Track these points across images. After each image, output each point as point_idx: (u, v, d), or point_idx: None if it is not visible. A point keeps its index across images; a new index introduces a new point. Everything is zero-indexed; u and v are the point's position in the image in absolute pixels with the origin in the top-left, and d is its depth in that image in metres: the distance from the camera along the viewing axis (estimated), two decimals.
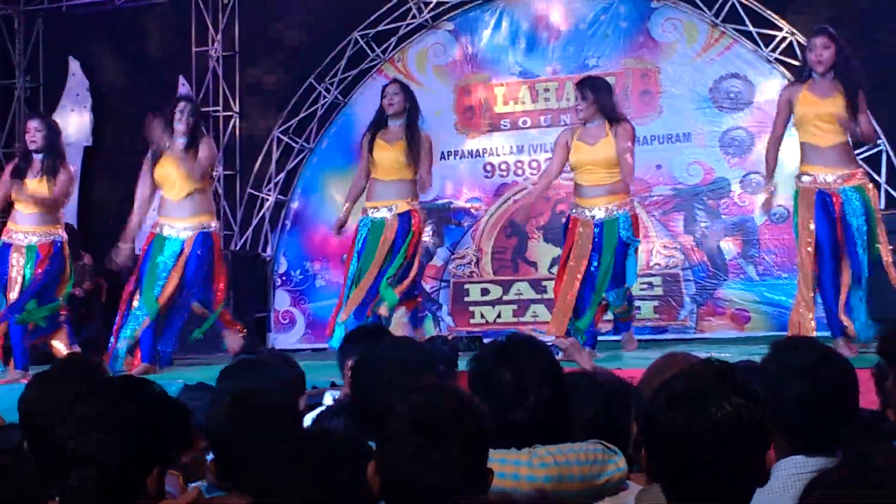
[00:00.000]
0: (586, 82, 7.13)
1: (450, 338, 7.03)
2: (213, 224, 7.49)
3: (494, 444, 2.52)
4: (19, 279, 7.28)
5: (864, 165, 8.21)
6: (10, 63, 11.56)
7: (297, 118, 10.37)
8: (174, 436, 2.37)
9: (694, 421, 1.98)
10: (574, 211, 6.98)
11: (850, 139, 6.54)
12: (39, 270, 7.28)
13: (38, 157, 7.37)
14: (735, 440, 1.98)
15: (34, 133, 7.38)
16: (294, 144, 10.38)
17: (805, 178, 6.54)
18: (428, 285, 10.02)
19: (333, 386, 5.22)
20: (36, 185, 7.31)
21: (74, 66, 11.25)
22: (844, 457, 1.69)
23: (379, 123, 7.51)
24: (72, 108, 11.21)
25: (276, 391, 3.08)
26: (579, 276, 6.77)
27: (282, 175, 10.45)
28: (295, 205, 10.51)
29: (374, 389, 2.84)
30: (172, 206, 7.37)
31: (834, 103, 6.43)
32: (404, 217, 7.35)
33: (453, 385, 2.35)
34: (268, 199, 10.49)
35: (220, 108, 10.72)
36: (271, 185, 10.46)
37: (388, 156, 7.39)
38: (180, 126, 7.31)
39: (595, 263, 6.81)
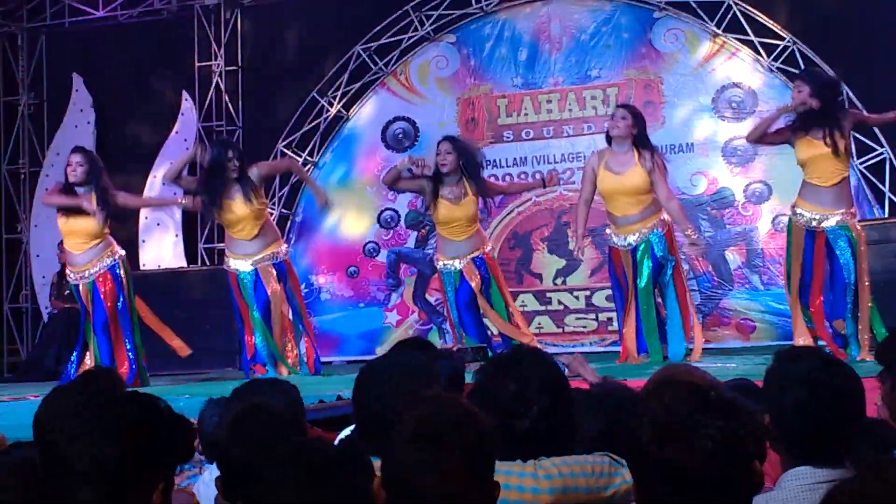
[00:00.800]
0: (629, 107, 7.56)
1: (454, 349, 7.02)
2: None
3: (499, 455, 2.52)
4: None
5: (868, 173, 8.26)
6: (13, 80, 11.59)
7: (301, 132, 10.39)
8: (178, 451, 2.37)
9: (682, 455, 1.97)
10: (611, 241, 7.41)
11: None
12: None
13: (80, 190, 7.53)
14: (725, 464, 1.97)
15: (75, 167, 7.54)
16: (297, 158, 10.39)
17: (797, 216, 6.87)
18: (433, 298, 10.02)
19: (339, 399, 5.21)
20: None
21: (78, 82, 11.28)
22: (860, 470, 1.68)
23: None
24: (75, 124, 11.23)
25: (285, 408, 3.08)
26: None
27: (286, 189, 10.45)
28: (299, 218, 10.51)
29: (376, 401, 2.84)
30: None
31: (829, 149, 6.64)
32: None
33: (456, 396, 2.35)
34: (272, 214, 10.49)
35: (223, 123, 10.73)
36: (275, 199, 10.46)
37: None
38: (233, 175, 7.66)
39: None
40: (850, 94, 8.49)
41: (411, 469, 2.10)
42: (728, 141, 9.35)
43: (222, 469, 2.82)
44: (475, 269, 7.50)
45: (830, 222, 6.72)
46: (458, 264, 7.52)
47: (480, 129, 10.07)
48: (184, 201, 8.13)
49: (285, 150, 10.42)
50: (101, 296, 7.51)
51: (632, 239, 7.19)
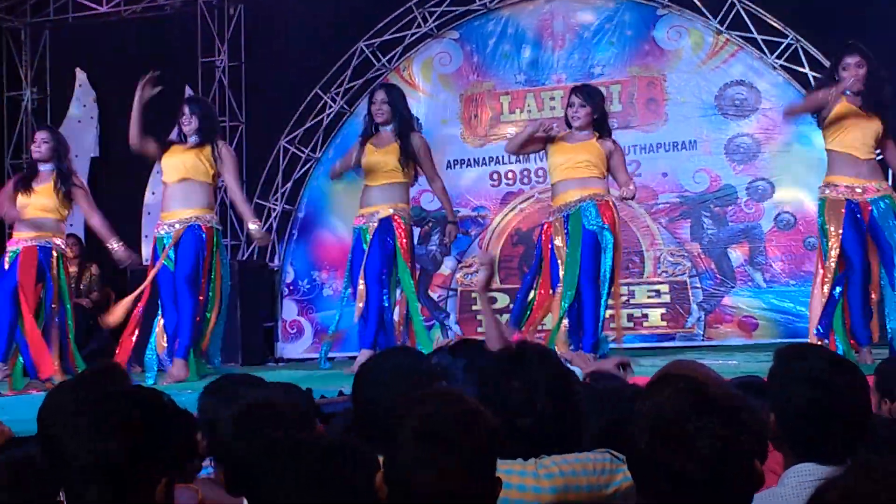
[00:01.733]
0: (586, 91, 7.20)
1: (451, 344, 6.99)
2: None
3: (503, 453, 2.52)
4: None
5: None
6: (16, 74, 11.59)
7: (304, 128, 10.39)
8: (180, 445, 2.37)
9: (679, 458, 1.97)
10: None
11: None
12: None
13: (43, 168, 7.41)
14: (723, 465, 1.97)
15: (40, 143, 7.42)
16: (300, 154, 10.40)
17: (831, 189, 6.56)
18: (435, 294, 10.03)
19: (341, 395, 5.21)
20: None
21: (81, 77, 11.28)
22: (849, 468, 1.67)
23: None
24: (78, 119, 11.24)
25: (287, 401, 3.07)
26: None
27: (288, 185, 10.46)
28: (302, 214, 10.52)
29: (376, 398, 2.84)
30: None
31: (872, 124, 6.48)
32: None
33: (460, 392, 2.35)
34: (275, 209, 10.50)
35: (226, 119, 10.73)
36: (278, 194, 10.47)
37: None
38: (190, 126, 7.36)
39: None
40: None
41: (413, 466, 2.10)
42: (731, 138, 9.35)
43: (226, 464, 2.82)
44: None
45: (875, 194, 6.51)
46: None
47: (483, 125, 10.07)
48: (116, 247, 7.30)
49: (288, 146, 10.42)
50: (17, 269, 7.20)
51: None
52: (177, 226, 7.19)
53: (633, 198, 7.07)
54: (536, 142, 7.17)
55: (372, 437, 2.51)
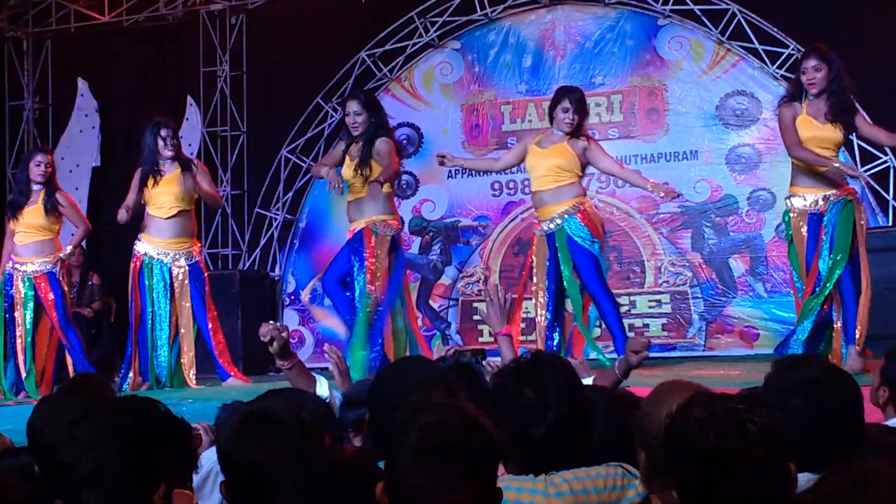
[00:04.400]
0: (579, 99, 7.13)
1: (451, 353, 6.93)
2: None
3: (513, 464, 2.52)
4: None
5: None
6: (18, 84, 11.61)
7: (305, 137, 10.39)
8: (178, 453, 2.38)
9: (729, 441, 2.02)
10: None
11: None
12: None
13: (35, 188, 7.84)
14: (770, 454, 2.03)
15: (44, 167, 7.87)
16: (302, 164, 10.40)
17: (796, 200, 6.58)
18: (436, 304, 10.03)
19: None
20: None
21: (83, 86, 11.29)
22: (822, 476, 1.71)
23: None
24: (80, 128, 11.25)
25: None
26: None
27: (290, 194, 10.46)
28: (303, 224, 10.52)
29: (389, 407, 2.83)
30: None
31: (832, 129, 6.42)
32: None
33: (461, 403, 2.34)
34: (276, 219, 10.50)
35: (227, 128, 10.75)
36: (279, 204, 10.47)
37: None
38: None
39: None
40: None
41: (414, 477, 2.09)
42: (732, 148, 9.36)
43: (227, 474, 2.82)
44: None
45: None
46: None
47: (485, 135, 10.08)
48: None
49: (289, 156, 10.43)
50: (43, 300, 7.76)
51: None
52: None
53: (673, 196, 7.27)
54: (518, 149, 7.35)
55: (385, 448, 2.51)
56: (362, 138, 7.30)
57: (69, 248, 7.87)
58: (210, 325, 7.71)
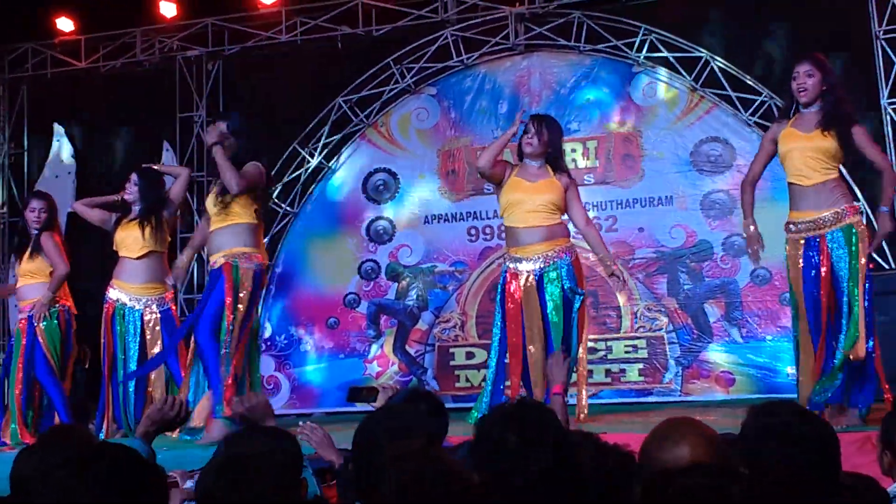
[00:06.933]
0: (543, 119, 6.96)
1: (393, 390, 6.64)
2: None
3: None
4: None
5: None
6: None
7: (282, 182, 10.40)
8: (153, 499, 2.38)
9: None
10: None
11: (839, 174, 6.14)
12: None
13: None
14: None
15: (39, 213, 7.99)
16: (278, 209, 10.40)
17: (791, 227, 6.12)
18: (413, 349, 10.01)
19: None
20: None
21: (59, 132, 11.29)
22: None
23: None
24: (55, 174, 11.23)
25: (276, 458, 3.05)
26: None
27: (266, 239, 10.43)
28: (279, 269, 10.50)
29: (369, 456, 2.82)
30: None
31: (822, 137, 5.99)
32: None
33: (439, 451, 2.34)
34: None
35: (203, 173, 10.75)
36: None
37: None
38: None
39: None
40: None
41: None
42: (707, 194, 9.42)
43: None
44: None
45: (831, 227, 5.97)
46: None
47: (461, 180, 10.11)
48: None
49: None
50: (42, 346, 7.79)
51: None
52: None
53: (621, 280, 6.87)
54: (503, 163, 6.96)
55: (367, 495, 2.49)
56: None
57: (47, 294, 7.81)
58: (182, 373, 7.65)
